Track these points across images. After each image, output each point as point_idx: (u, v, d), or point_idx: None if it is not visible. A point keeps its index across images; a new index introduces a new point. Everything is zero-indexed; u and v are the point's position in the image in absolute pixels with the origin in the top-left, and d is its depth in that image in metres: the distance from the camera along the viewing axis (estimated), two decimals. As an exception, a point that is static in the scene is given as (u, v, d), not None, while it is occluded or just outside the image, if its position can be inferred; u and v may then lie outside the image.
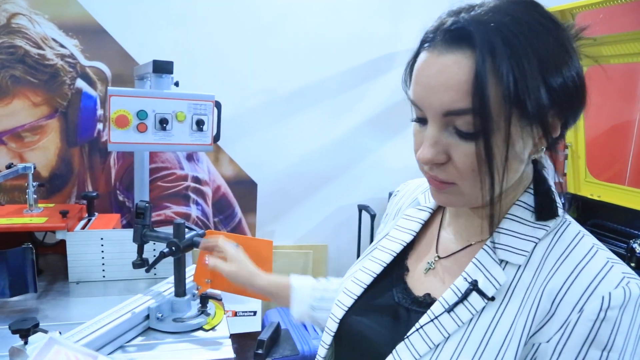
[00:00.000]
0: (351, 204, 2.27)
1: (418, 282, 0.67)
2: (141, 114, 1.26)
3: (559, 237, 0.59)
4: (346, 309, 0.69)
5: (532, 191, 0.61)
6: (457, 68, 0.53)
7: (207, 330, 1.10)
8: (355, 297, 0.69)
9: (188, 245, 1.10)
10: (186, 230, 1.12)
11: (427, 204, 0.75)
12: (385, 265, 0.70)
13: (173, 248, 1.07)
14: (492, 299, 0.56)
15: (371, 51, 2.19)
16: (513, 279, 0.57)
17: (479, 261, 0.59)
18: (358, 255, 2.21)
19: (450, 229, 0.70)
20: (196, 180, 2.03)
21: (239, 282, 0.95)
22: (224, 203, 2.09)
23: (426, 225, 0.73)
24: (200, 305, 1.15)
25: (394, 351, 0.60)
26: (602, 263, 0.55)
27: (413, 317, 0.62)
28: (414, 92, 0.59)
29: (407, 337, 0.59)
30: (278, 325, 1.55)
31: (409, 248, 0.72)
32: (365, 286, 0.70)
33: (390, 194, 1.99)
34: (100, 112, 1.89)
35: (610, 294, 0.52)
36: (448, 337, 0.57)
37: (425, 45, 0.58)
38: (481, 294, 0.57)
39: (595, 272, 0.54)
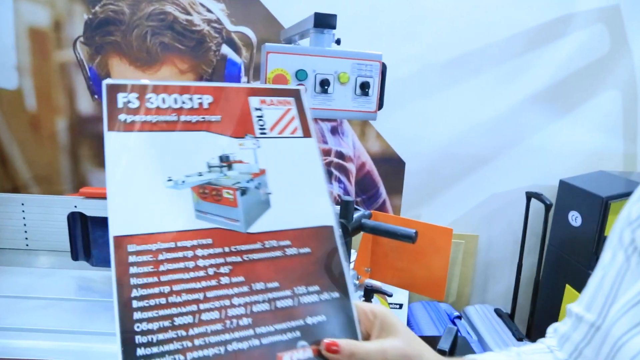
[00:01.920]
0: (510, 191, 1.96)
1: None
2: (300, 74, 1.10)
3: None
4: None
5: None
6: None
7: (375, 331, 0.92)
8: None
9: (357, 227, 0.92)
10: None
11: None
12: None
13: (341, 230, 0.90)
14: None
15: (543, 12, 1.84)
16: None
17: None
18: (521, 250, 1.90)
19: None
20: (340, 155, 1.87)
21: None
22: (368, 182, 1.91)
23: None
24: (363, 299, 0.97)
25: None
26: None
27: None
28: None
29: None
30: (457, 333, 1.31)
31: None
32: None
33: (560, 182, 1.65)
34: (244, 79, 1.80)
35: None
36: None
37: None
38: None
39: None
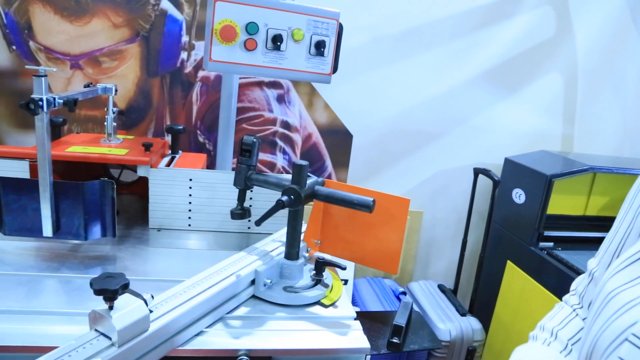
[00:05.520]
0: (454, 168, 1.96)
1: None
2: (251, 27, 0.99)
3: None
4: None
5: None
6: None
7: (327, 307, 0.86)
8: None
9: (310, 194, 0.84)
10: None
11: None
12: None
13: (292, 197, 0.82)
14: None
15: (495, -10, 1.83)
16: None
17: None
18: (467, 227, 1.90)
19: None
20: (285, 125, 1.77)
21: None
22: (314, 154, 1.83)
23: None
24: (314, 272, 0.90)
25: None
26: None
27: None
28: None
29: None
30: (412, 308, 1.27)
31: None
32: None
33: (506, 160, 1.65)
34: (185, 38, 1.65)
35: None
36: None
37: None
38: None
39: None
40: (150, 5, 1.62)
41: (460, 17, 1.82)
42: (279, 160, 1.81)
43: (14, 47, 1.58)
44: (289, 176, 0.87)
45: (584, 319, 0.62)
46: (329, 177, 1.87)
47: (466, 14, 1.83)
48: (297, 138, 1.80)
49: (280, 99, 1.75)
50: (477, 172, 1.80)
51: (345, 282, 0.97)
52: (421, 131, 1.91)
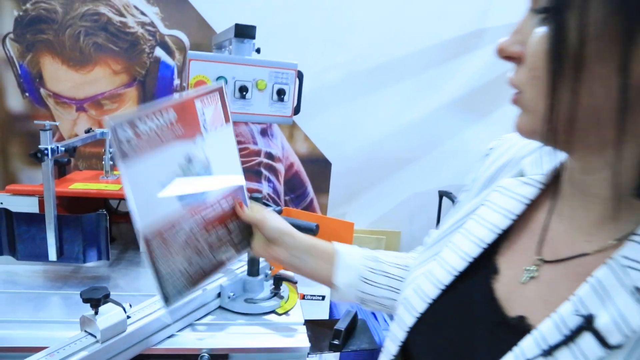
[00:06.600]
0: (429, 190, 2.13)
1: (511, 293, 0.47)
2: (220, 81, 1.19)
3: None
4: (418, 315, 0.51)
5: None
6: None
7: (280, 315, 1.03)
8: (430, 302, 0.52)
9: (264, 221, 1.02)
10: (263, 206, 1.04)
11: (536, 175, 0.52)
12: (471, 260, 0.51)
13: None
14: (616, 347, 0.36)
15: (459, 26, 2.02)
16: None
17: (599, 283, 0.38)
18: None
19: (565, 218, 0.48)
20: (269, 156, 1.97)
21: (274, 230, 0.82)
22: (297, 181, 2.02)
23: (532, 207, 0.52)
24: (273, 286, 1.07)
25: None
26: None
27: (497, 348, 0.43)
28: None
29: None
30: (355, 315, 1.45)
31: (502, 237, 0.52)
32: (443, 287, 0.51)
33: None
34: (177, 81, 1.86)
35: None
36: None
37: None
38: (598, 337, 0.37)
39: None
40: (146, 53, 1.83)
41: (429, 50, 2.01)
42: (265, 188, 1.99)
43: (26, 94, 1.80)
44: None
45: None
46: (311, 202, 2.05)
47: (434, 47, 2.02)
48: (280, 167, 1.99)
49: (264, 133, 1.95)
50: (441, 194, 1.97)
51: (323, 297, 1.14)
52: (396, 157, 2.09)
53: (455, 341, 0.48)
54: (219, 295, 1.02)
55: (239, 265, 1.13)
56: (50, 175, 1.06)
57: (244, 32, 1.25)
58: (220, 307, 1.03)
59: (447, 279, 0.52)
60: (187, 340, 0.90)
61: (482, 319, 0.47)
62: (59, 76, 1.80)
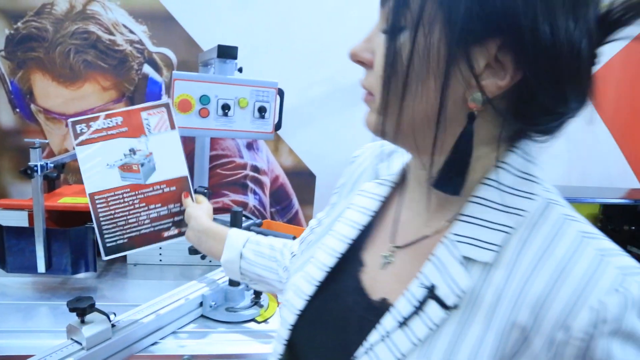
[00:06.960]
0: (411, 201, 2.19)
1: (374, 280, 0.54)
2: (204, 99, 1.25)
3: (540, 224, 0.45)
4: (299, 312, 0.56)
5: (507, 167, 0.47)
6: None
7: (260, 323, 1.08)
8: (308, 298, 0.57)
9: (244, 234, 1.07)
10: (243, 218, 1.10)
11: (388, 176, 0.60)
12: (339, 256, 0.57)
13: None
14: (453, 308, 0.44)
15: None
16: (481, 282, 0.44)
17: (437, 258, 0.46)
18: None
19: (410, 209, 0.55)
20: (255, 169, 2.02)
21: (187, 215, 0.98)
22: (282, 194, 2.07)
23: (386, 204, 0.59)
24: (253, 296, 1.13)
25: None
26: (589, 257, 0.41)
27: (366, 330, 0.49)
28: None
29: None
30: None
31: (365, 234, 0.58)
32: (318, 284, 0.57)
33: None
34: (164, 97, 1.92)
35: (601, 302, 0.39)
36: None
37: None
38: (440, 302, 0.44)
39: (582, 271, 0.41)
40: (134, 70, 1.89)
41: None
42: (251, 200, 2.04)
43: (17, 110, 1.85)
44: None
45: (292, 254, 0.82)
46: (296, 213, 2.10)
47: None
48: (266, 180, 2.04)
49: (249, 146, 2.00)
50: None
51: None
52: (378, 169, 2.15)
53: (332, 331, 0.53)
54: (201, 304, 1.07)
55: (221, 275, 1.18)
56: (39, 191, 1.11)
57: (227, 52, 1.31)
58: (202, 316, 1.07)
59: (320, 275, 0.57)
60: (170, 347, 0.95)
61: (353, 307, 0.53)
62: (49, 92, 1.85)
